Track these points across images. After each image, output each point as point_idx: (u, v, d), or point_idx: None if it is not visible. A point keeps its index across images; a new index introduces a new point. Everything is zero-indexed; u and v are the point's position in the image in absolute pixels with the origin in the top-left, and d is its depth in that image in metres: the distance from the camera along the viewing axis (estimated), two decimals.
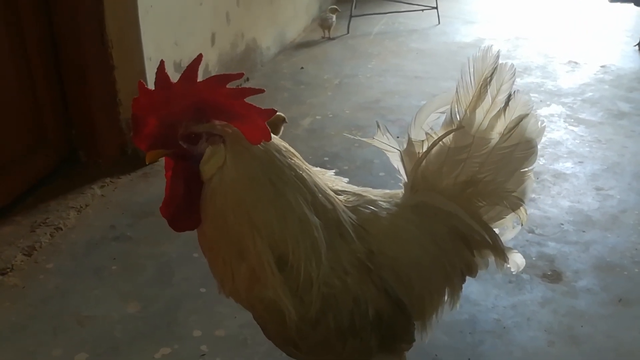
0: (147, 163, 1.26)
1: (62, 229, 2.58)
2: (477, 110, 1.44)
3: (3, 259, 2.36)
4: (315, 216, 1.30)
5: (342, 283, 1.32)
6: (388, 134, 1.53)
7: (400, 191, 1.54)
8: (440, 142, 1.45)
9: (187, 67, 1.21)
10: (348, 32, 5.33)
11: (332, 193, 1.38)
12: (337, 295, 1.32)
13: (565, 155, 3.23)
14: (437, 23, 5.54)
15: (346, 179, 1.55)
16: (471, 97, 1.44)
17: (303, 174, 1.31)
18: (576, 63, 4.60)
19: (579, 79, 4.37)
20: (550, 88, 4.18)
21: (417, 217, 1.46)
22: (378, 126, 1.53)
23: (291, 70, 4.56)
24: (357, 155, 3.21)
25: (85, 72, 2.85)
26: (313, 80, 4.33)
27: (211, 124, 1.26)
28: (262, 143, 1.26)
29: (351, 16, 5.36)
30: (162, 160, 3.33)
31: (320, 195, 1.33)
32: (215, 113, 1.25)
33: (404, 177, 1.51)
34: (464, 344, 2.04)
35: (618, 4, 4.90)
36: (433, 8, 5.55)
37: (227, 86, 1.22)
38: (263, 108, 1.24)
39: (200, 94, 1.23)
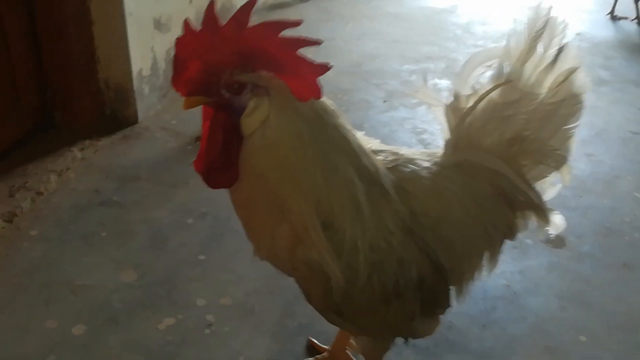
0: (184, 109, 1.15)
1: (43, 194, 2.42)
2: (527, 65, 1.37)
3: None
4: (359, 179, 1.23)
5: (388, 244, 1.27)
6: (435, 87, 1.44)
7: (438, 150, 1.47)
8: (487, 97, 1.38)
9: (239, 8, 1.10)
10: None
11: (373, 155, 1.32)
12: (383, 258, 1.26)
13: None
14: None
15: (377, 140, 1.46)
16: (521, 50, 1.36)
17: (348, 136, 1.25)
18: None
19: None
20: None
21: (459, 176, 1.40)
22: (424, 79, 1.45)
23: None
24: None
25: (62, 27, 2.63)
26: None
27: (257, 74, 1.16)
28: (310, 101, 1.17)
29: None
30: (144, 121, 3.22)
31: (364, 158, 1.26)
32: (263, 63, 1.14)
33: (446, 133, 1.44)
34: (477, 311, 2.00)
35: None
36: None
37: (281, 35, 1.11)
38: (317, 62, 1.14)
39: (249, 40, 1.12)
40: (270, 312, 1.93)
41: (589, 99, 1.40)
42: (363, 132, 1.46)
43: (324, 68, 1.13)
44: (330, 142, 1.22)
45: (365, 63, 3.85)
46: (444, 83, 3.56)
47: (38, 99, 2.73)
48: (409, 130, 3.08)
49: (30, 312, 1.91)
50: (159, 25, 3.01)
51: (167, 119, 3.03)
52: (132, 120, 2.93)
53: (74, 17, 2.66)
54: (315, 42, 1.11)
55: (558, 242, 2.34)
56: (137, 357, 1.78)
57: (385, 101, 3.37)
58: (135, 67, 2.85)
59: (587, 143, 3.04)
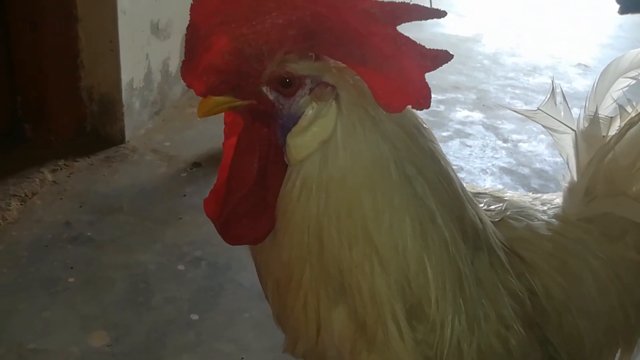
0: (200, 116, 0.71)
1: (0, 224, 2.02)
2: None
3: None
4: (463, 241, 0.84)
5: (503, 345, 0.87)
6: (565, 104, 1.02)
7: (556, 195, 1.07)
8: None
9: None
10: None
11: (476, 203, 0.92)
12: None
13: None
14: None
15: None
16: None
17: (449, 170, 0.85)
18: (586, 66, 4.22)
19: (592, 82, 3.97)
20: (566, 90, 3.75)
21: (594, 237, 1.01)
22: (552, 90, 1.02)
23: None
24: None
25: (39, 22, 2.30)
26: None
27: (323, 63, 0.76)
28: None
29: None
30: (131, 141, 2.77)
31: (469, 206, 0.86)
32: (335, 45, 0.73)
33: (572, 173, 1.03)
34: None
35: (629, 15, 4.53)
36: None
37: None
38: (428, 48, 0.75)
39: (318, 4, 0.67)
40: None
41: None
42: None
43: (442, 57, 0.69)
44: (428, 179, 0.81)
45: None
46: (476, 116, 3.18)
47: (4, 105, 2.39)
48: None
49: None
50: (157, 31, 2.63)
51: (159, 139, 2.66)
52: (117, 139, 2.58)
53: (55, 10, 2.32)
54: (436, 14, 0.68)
55: None
56: None
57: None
58: (125, 77, 2.49)
59: None
